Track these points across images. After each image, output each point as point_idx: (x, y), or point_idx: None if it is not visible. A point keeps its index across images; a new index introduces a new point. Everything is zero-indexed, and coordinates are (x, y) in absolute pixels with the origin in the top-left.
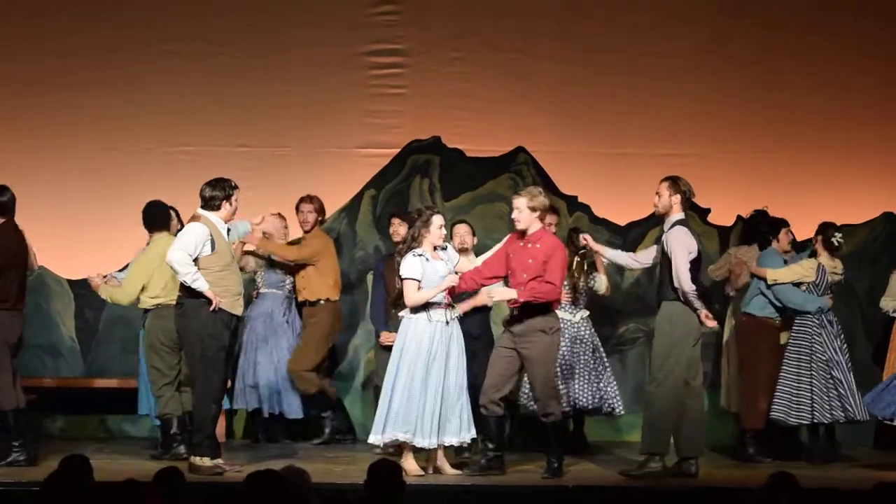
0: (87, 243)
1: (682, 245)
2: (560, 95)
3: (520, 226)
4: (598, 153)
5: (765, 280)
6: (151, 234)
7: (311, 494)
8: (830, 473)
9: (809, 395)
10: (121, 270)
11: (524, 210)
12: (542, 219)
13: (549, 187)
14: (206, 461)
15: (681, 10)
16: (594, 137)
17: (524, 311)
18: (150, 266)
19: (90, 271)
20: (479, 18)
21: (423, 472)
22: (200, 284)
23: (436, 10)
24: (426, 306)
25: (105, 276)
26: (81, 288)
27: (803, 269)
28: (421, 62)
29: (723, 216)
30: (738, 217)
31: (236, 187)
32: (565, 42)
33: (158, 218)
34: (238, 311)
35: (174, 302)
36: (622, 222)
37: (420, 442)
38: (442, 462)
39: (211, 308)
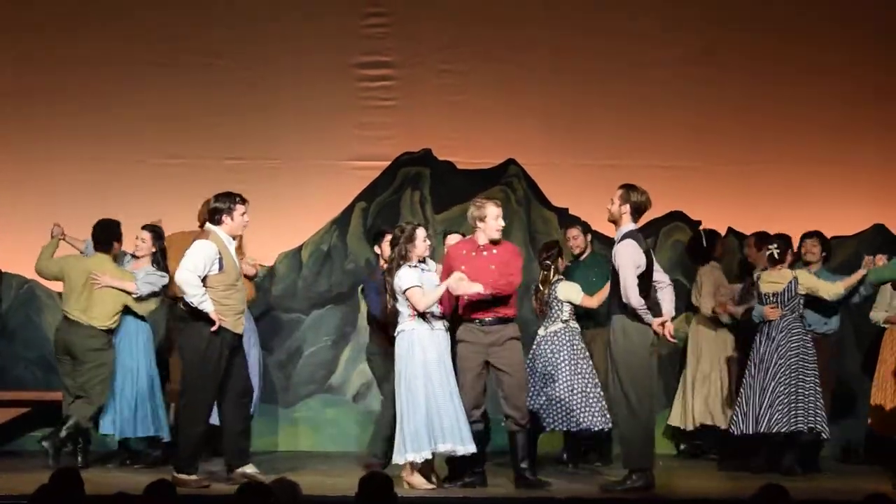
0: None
1: (629, 259)
2: (550, 107)
3: (499, 234)
4: (588, 165)
5: None
6: (96, 250)
7: None
8: (821, 485)
9: (733, 403)
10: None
11: (501, 218)
12: None
13: (540, 199)
14: (193, 477)
15: (672, 22)
16: (585, 149)
17: (493, 322)
18: (67, 269)
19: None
20: (469, 30)
21: (433, 486)
22: (206, 307)
23: (425, 23)
24: (425, 317)
25: (66, 237)
26: None
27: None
28: (411, 74)
29: (713, 227)
30: (729, 229)
31: (242, 201)
32: (555, 54)
33: (104, 238)
34: (239, 329)
35: (87, 324)
36: (612, 234)
37: (464, 450)
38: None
39: (213, 329)
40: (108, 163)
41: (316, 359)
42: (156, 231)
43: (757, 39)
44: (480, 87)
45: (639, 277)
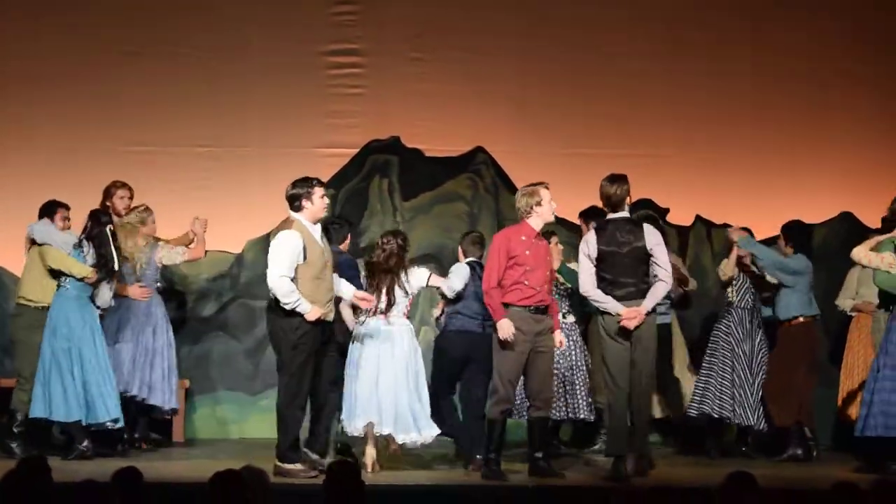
0: None
1: (581, 250)
2: (519, 95)
3: (552, 218)
4: (557, 153)
5: None
6: None
7: (269, 495)
8: (788, 472)
9: None
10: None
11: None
12: None
13: (508, 187)
14: (297, 466)
15: (642, 12)
16: (553, 137)
17: (543, 310)
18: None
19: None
20: (438, 18)
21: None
22: (303, 308)
23: (394, 11)
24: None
25: None
26: None
27: None
28: (380, 62)
29: (681, 216)
30: (697, 217)
31: (319, 184)
32: (525, 42)
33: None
34: (330, 317)
35: (27, 304)
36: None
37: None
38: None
39: (308, 321)
40: (76, 150)
41: None
42: (94, 215)
43: (726, 29)
44: (449, 75)
45: (598, 267)
